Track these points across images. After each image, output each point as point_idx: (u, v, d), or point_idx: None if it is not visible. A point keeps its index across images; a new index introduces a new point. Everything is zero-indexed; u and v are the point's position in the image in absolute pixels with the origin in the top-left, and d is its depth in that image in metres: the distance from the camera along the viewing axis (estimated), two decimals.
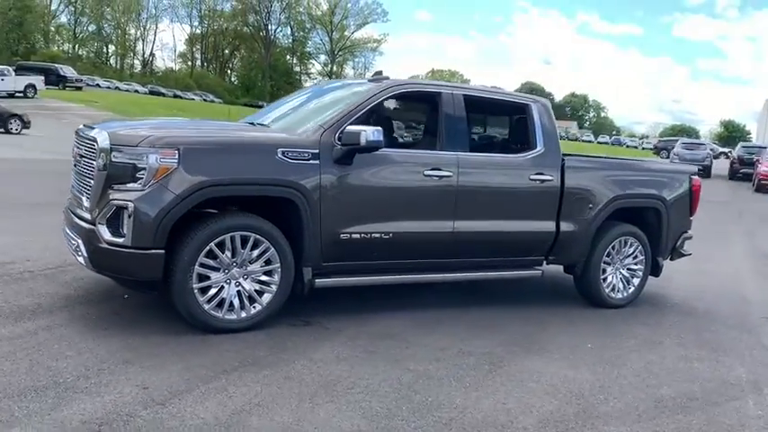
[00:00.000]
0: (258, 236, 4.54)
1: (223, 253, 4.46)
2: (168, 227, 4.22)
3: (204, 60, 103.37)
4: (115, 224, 4.23)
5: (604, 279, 6.26)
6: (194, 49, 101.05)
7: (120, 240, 4.21)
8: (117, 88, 69.75)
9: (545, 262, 6.04)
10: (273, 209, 4.68)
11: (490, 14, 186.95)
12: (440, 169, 5.21)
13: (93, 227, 4.31)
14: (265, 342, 4.44)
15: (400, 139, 5.94)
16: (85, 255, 4.38)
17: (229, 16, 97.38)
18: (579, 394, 4.08)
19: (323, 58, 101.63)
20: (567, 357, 4.77)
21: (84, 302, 4.95)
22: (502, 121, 6.71)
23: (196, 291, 4.39)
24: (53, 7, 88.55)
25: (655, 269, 6.61)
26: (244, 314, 4.59)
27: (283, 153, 4.58)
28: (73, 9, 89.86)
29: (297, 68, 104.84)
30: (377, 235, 4.98)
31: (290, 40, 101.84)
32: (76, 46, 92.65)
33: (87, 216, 4.43)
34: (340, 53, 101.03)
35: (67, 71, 50.97)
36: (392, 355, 4.44)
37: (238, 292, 4.58)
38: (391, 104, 5.95)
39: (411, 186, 5.14)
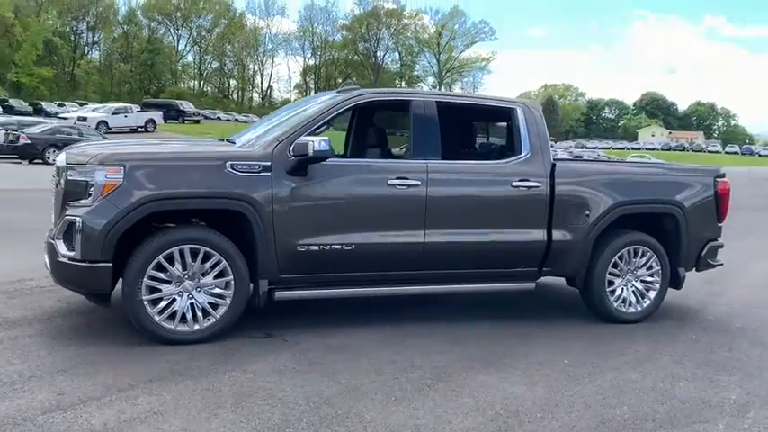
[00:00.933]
0: (208, 249, 4.61)
1: (173, 266, 4.56)
2: (114, 240, 4.38)
3: (318, 89, 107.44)
4: (69, 239, 4.46)
5: (612, 292, 5.79)
6: (308, 80, 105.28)
7: (72, 254, 4.42)
8: (236, 120, 73.85)
9: (539, 274, 5.69)
10: (230, 222, 4.75)
11: (606, 25, 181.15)
12: (406, 178, 5.07)
13: (53, 242, 4.57)
14: (213, 353, 4.48)
15: (366, 149, 5.85)
16: (49, 269, 4.65)
17: (340, 46, 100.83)
18: (514, 412, 3.78)
19: (431, 80, 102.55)
20: (530, 373, 4.44)
21: (66, 315, 5.23)
22: (482, 127, 6.44)
23: (146, 303, 4.52)
24: (180, 47, 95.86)
25: (675, 281, 6.03)
26: (197, 326, 4.66)
27: (232, 166, 4.64)
28: (198, 48, 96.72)
29: None
30: (337, 247, 4.91)
31: (399, 65, 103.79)
32: (201, 82, 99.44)
33: (53, 233, 4.71)
34: (448, 74, 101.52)
35: (186, 106, 54.82)
36: (334, 368, 4.34)
37: (192, 304, 4.66)
38: (358, 114, 5.88)
39: (374, 196, 5.04)
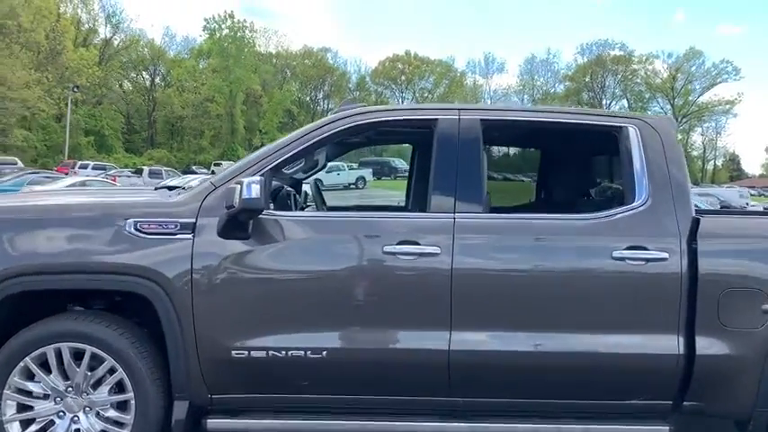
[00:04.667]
0: (96, 349, 3.06)
1: (49, 373, 3.08)
2: None
3: None
4: None
5: None
6: None
7: None
8: None
9: (676, 409, 3.22)
10: (145, 309, 3.17)
11: None
12: (415, 242, 3.09)
13: None
14: None
15: (355, 197, 3.90)
16: None
17: (563, 97, 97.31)
18: None
19: None
20: None
21: None
22: (562, 158, 4.10)
23: (9, 425, 3.07)
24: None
25: None
26: None
27: (136, 225, 3.08)
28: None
29: None
30: (298, 353, 3.07)
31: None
32: None
33: None
34: (684, 119, 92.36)
35: (398, 163, 55.66)
36: None
37: (77, 430, 3.11)
38: (349, 144, 3.98)
39: (360, 272, 3.13)
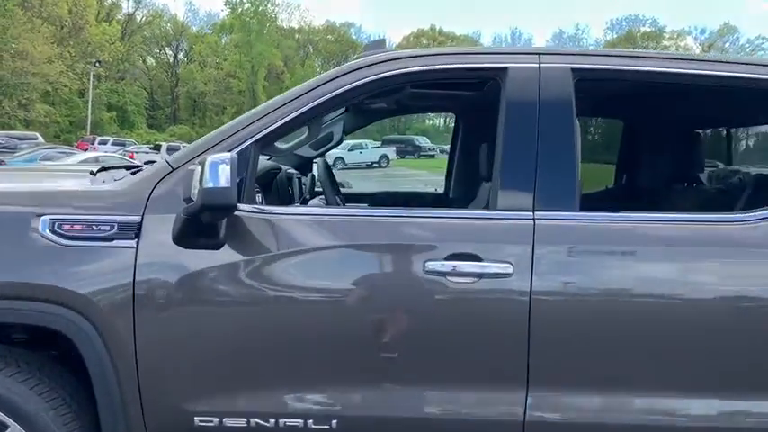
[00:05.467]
0: None
1: None
2: None
3: None
4: None
5: None
6: None
7: None
8: None
9: None
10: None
11: None
12: (476, 256, 2.01)
13: None
14: None
15: (385, 187, 2.83)
16: None
17: None
18: None
19: None
20: None
21: None
22: (668, 131, 2.95)
23: None
24: None
25: None
26: None
27: (53, 226, 2.03)
28: None
29: None
30: (296, 423, 2.04)
31: None
32: (446, 119, 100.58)
33: None
34: None
35: (422, 141, 54.43)
36: None
37: None
38: (370, 112, 2.87)
39: (392, 301, 2.07)
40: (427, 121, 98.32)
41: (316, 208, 2.64)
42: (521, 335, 2.00)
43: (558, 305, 2.02)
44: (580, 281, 2.03)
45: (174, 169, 2.12)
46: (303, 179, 3.29)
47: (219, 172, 1.82)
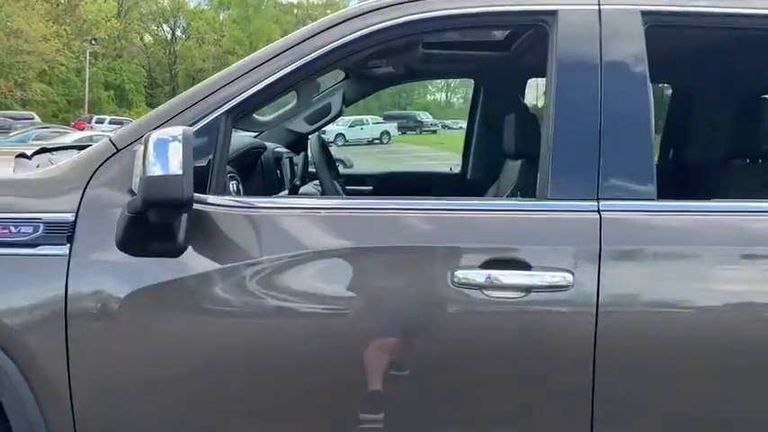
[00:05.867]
0: None
1: None
2: None
3: None
4: None
5: None
6: None
7: None
8: None
9: None
10: None
11: None
12: (524, 262, 1.49)
13: None
14: None
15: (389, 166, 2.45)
16: None
17: None
18: None
19: None
20: None
21: None
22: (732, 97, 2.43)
23: None
24: None
25: None
26: None
27: None
28: None
29: None
30: None
31: None
32: (449, 94, 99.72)
33: None
34: None
35: (424, 117, 53.86)
36: None
37: None
38: (374, 79, 2.35)
39: (410, 324, 1.55)
40: (429, 96, 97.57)
41: (307, 198, 2.13)
42: (584, 364, 1.49)
43: (633, 327, 1.51)
44: (664, 295, 1.52)
45: (118, 150, 1.60)
46: (295, 159, 2.78)
47: (168, 153, 1.30)
